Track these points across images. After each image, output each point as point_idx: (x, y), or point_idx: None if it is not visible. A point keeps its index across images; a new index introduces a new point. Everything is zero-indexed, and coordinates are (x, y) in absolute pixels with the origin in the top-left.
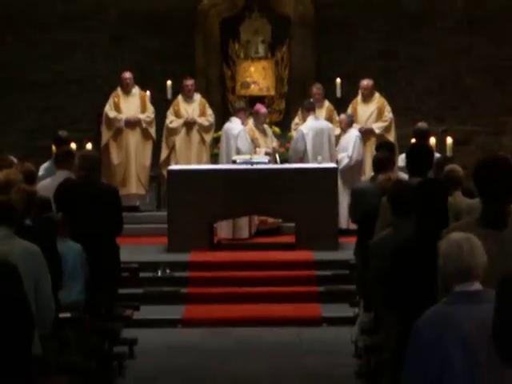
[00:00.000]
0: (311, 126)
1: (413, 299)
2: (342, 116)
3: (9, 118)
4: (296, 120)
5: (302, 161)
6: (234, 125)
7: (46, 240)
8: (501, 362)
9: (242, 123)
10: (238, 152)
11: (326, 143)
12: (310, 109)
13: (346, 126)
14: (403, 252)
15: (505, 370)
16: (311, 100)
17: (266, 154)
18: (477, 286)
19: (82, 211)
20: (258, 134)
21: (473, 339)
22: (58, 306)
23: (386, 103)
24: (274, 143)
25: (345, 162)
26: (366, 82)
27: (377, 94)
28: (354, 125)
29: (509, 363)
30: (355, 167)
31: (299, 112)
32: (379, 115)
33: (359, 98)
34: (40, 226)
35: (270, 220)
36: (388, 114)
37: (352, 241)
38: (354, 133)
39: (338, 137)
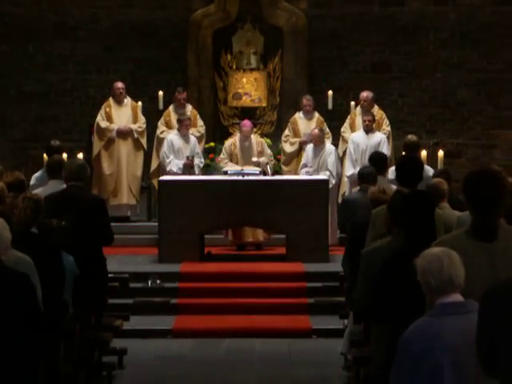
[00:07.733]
0: None
1: (400, 312)
2: (315, 131)
3: (1, 128)
4: (286, 132)
5: None
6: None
7: (50, 248)
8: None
9: (182, 134)
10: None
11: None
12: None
13: (319, 142)
14: (390, 264)
15: (492, 381)
16: None
17: (254, 163)
18: (459, 297)
19: (67, 222)
20: (237, 151)
21: (461, 350)
22: (64, 311)
23: (384, 116)
24: (263, 158)
25: (332, 182)
26: (365, 94)
27: (376, 107)
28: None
29: (490, 376)
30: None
31: (289, 124)
32: (377, 128)
33: (358, 109)
34: (44, 233)
35: (248, 235)
36: (386, 127)
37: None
38: (329, 147)
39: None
